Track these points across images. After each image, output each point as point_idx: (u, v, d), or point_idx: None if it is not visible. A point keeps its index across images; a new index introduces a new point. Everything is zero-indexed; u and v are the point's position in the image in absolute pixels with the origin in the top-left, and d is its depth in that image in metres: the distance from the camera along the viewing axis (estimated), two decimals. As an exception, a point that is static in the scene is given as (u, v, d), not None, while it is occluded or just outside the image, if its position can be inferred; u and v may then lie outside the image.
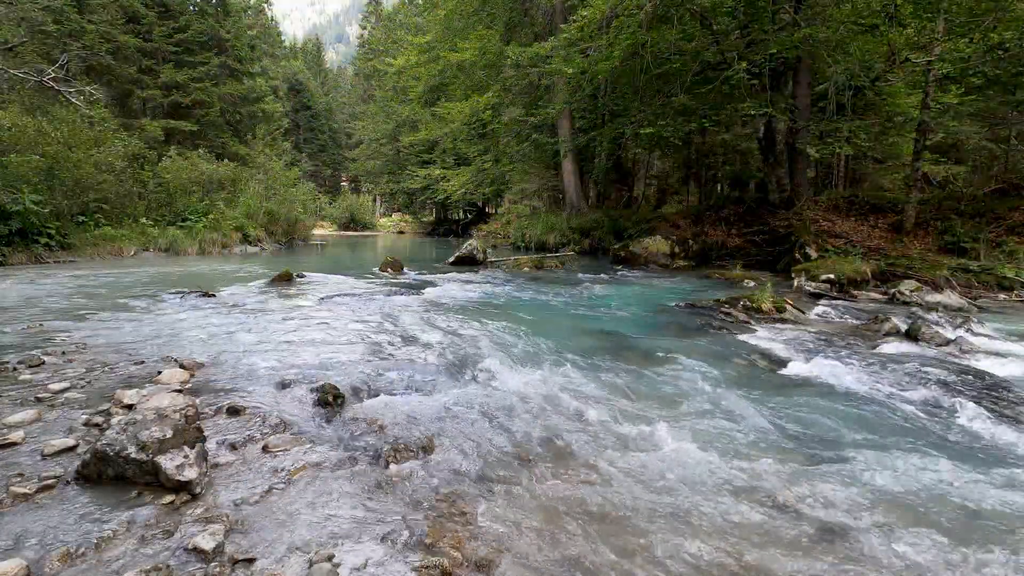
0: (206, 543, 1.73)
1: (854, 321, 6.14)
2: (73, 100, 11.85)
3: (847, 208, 12.19)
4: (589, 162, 19.62)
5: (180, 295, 6.67)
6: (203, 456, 2.19)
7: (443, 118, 21.13)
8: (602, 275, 10.76)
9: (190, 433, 2.22)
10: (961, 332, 5.33)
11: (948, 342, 4.88)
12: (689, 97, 12.32)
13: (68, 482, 2.09)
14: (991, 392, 3.63)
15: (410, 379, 3.59)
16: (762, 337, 5.21)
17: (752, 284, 8.77)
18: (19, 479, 2.09)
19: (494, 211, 34.83)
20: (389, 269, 10.46)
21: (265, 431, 2.66)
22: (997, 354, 4.64)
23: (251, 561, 1.70)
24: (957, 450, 2.75)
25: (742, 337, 5.23)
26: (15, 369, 3.41)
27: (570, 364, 4.10)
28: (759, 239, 12.27)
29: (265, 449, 2.48)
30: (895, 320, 5.58)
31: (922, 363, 4.27)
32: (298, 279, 8.44)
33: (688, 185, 20.15)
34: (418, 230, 40.94)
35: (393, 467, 2.40)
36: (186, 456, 2.12)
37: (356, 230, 39.50)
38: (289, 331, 4.83)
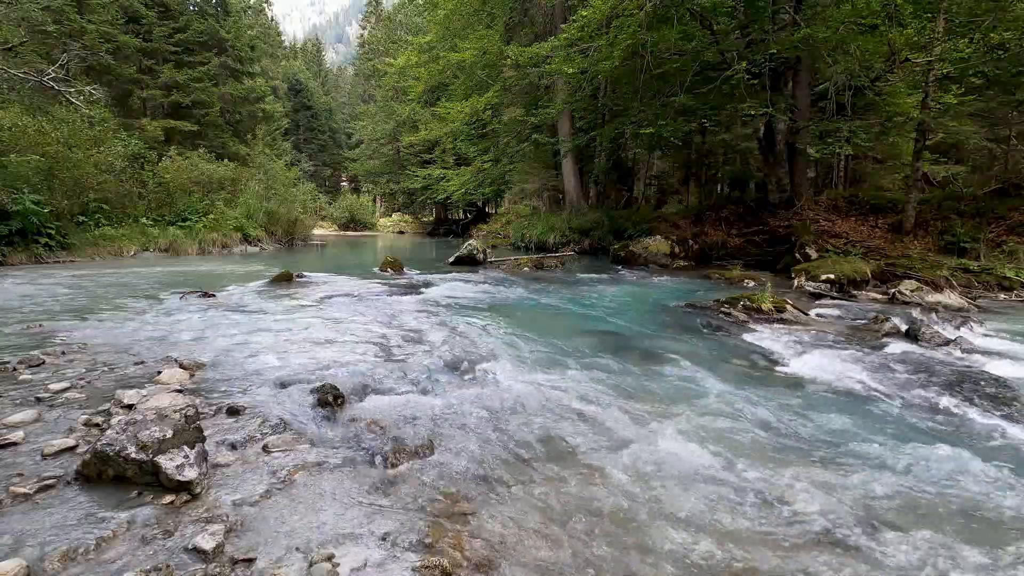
0: (206, 543, 1.73)
1: (854, 321, 6.13)
2: (73, 100, 11.84)
3: (847, 208, 12.19)
4: (589, 162, 19.61)
5: (180, 295, 6.67)
6: (203, 456, 2.19)
7: (443, 118, 21.11)
8: (602, 275, 10.76)
9: (190, 433, 2.22)
10: (961, 332, 5.33)
11: (948, 342, 4.88)
12: (689, 97, 12.31)
13: (68, 482, 2.09)
14: (991, 391, 3.63)
15: (410, 379, 3.59)
16: (762, 337, 5.21)
17: (752, 284, 8.77)
18: (19, 479, 2.09)
19: (494, 211, 34.80)
20: (389, 269, 10.45)
21: (265, 431, 2.66)
22: (997, 354, 4.63)
23: (251, 561, 1.70)
24: (957, 449, 2.75)
25: (742, 337, 5.23)
26: (15, 369, 3.41)
27: (570, 364, 4.10)
28: (759, 239, 12.27)
29: (265, 449, 2.48)
30: (895, 320, 5.58)
31: (922, 363, 4.27)
32: (298, 279, 8.44)
33: (688, 185, 20.14)
34: (418, 230, 40.91)
35: (393, 467, 2.40)
36: (186, 456, 2.12)
37: (356, 230, 39.48)
38: (289, 331, 4.83)
